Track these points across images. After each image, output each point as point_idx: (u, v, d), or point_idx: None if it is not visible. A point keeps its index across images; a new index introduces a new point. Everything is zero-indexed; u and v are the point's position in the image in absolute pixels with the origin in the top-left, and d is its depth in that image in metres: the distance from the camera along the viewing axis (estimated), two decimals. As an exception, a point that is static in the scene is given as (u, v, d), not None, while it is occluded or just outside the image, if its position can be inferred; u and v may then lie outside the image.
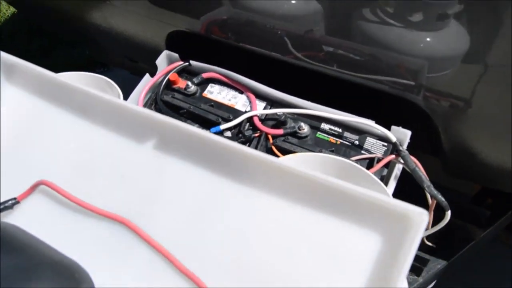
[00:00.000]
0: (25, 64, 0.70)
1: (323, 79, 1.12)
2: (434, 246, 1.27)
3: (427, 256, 1.22)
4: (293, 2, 1.04)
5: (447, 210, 0.98)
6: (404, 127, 1.02)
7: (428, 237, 1.23)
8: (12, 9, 3.04)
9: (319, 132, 1.04)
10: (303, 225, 0.56)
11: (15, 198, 0.69)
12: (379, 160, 0.97)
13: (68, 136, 0.69)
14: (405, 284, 0.53)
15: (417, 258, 1.22)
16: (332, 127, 1.04)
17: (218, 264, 0.58)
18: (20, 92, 0.73)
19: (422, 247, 1.23)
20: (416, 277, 1.21)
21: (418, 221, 0.50)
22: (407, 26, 0.93)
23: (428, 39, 0.97)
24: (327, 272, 0.54)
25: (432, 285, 1.36)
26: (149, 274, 0.60)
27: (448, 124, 1.13)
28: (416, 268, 1.20)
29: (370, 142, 1.01)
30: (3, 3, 3.05)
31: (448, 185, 1.43)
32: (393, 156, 0.96)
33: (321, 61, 1.11)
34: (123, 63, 1.90)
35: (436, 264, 1.26)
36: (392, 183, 1.02)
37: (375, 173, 0.94)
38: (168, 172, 0.63)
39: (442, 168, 1.29)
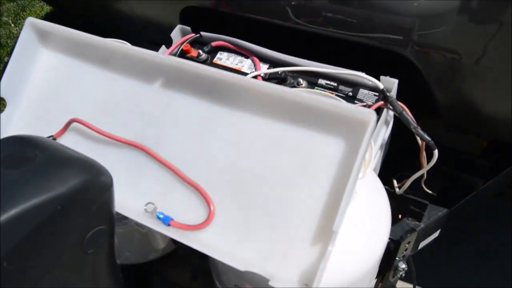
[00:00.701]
0: (55, 26, 0.85)
1: (321, 40, 1.24)
2: (435, 194, 1.36)
3: (428, 204, 1.30)
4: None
5: (434, 149, 1.07)
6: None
7: (430, 187, 1.32)
8: (45, 9, 3.29)
9: (316, 87, 1.15)
10: (280, 136, 0.68)
11: (52, 136, 0.84)
12: (370, 107, 1.08)
13: (93, 83, 0.83)
14: (360, 176, 0.64)
15: (418, 205, 1.30)
16: (328, 82, 1.15)
17: (216, 173, 0.71)
18: (52, 52, 0.88)
19: (423, 195, 1.32)
20: (417, 222, 1.30)
21: (367, 118, 0.61)
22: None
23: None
24: (299, 173, 0.66)
25: (437, 234, 1.44)
26: (162, 186, 0.74)
27: (444, 78, 1.22)
28: (417, 214, 1.29)
29: (362, 93, 1.12)
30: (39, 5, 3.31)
31: (454, 145, 1.51)
32: (382, 102, 1.07)
33: (319, 24, 1.23)
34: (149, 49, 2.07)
35: (438, 212, 1.35)
36: (383, 128, 1.12)
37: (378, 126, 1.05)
38: (174, 104, 0.76)
39: (442, 124, 1.38)
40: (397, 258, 1.26)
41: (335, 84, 1.15)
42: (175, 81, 0.76)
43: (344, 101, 0.69)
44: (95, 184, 0.60)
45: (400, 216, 1.31)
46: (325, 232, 0.62)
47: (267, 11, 1.28)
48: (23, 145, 0.61)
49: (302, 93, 0.66)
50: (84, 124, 0.79)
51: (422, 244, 1.43)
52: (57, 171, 0.58)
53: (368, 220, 0.81)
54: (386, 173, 1.26)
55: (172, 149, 0.75)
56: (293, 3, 1.23)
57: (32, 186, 0.55)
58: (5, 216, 0.50)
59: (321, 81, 1.16)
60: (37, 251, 0.57)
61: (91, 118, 0.81)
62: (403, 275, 1.30)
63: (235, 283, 0.82)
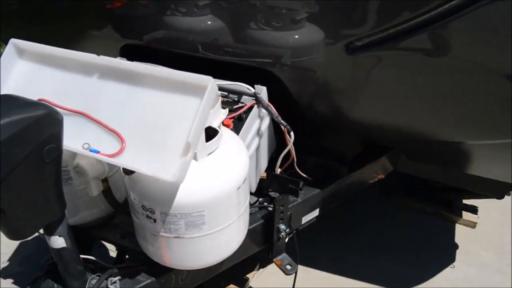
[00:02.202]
0: (29, 43, 1.35)
1: (219, 64, 1.77)
2: (309, 178, 1.86)
3: (300, 181, 1.77)
4: (208, 22, 1.69)
5: (290, 132, 1.59)
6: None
7: (304, 171, 1.81)
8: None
9: (214, 95, 1.67)
10: (160, 97, 1.17)
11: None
12: (245, 106, 1.60)
13: (53, 78, 1.31)
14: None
15: (294, 183, 1.78)
16: (221, 92, 1.67)
17: (126, 124, 1.19)
18: (26, 61, 1.37)
19: (299, 177, 1.80)
20: (295, 198, 1.78)
21: (206, 82, 1.11)
22: (274, 29, 1.58)
23: (288, 35, 1.62)
24: (171, 119, 1.14)
25: (317, 212, 1.92)
26: (94, 134, 1.21)
27: (301, 89, 1.73)
28: (294, 191, 1.78)
29: (244, 98, 1.64)
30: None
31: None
32: (254, 101, 1.59)
33: (219, 54, 1.77)
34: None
35: (312, 191, 1.84)
36: (257, 120, 1.63)
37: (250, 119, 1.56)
38: (104, 86, 1.25)
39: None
40: (279, 226, 1.71)
41: (226, 93, 1.67)
42: (106, 72, 1.26)
43: (196, 74, 1.15)
44: (54, 116, 1.06)
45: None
46: (188, 148, 1.10)
47: (183, 46, 1.82)
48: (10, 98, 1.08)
49: (166, 70, 1.16)
50: (48, 102, 1.25)
51: (304, 220, 1.90)
52: (32, 105, 1.05)
53: (229, 153, 1.30)
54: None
55: (101, 113, 1.23)
56: (202, 41, 1.78)
57: (15, 113, 1.01)
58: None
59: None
60: (15, 155, 1.02)
61: (52, 99, 1.28)
62: (285, 236, 1.75)
63: (141, 203, 1.25)
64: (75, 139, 1.23)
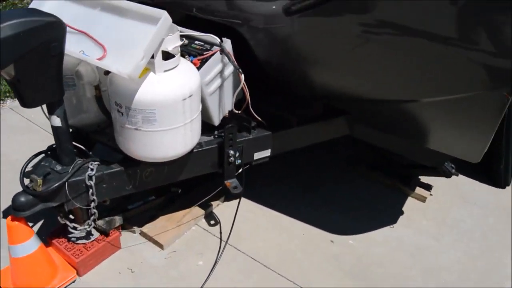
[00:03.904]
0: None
1: (202, 21, 2.32)
2: (264, 122, 2.35)
3: (252, 120, 2.27)
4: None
5: (241, 74, 2.10)
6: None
7: (262, 118, 2.32)
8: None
9: (193, 45, 2.23)
10: (130, 24, 1.75)
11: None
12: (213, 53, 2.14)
13: (71, 11, 1.94)
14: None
15: (247, 121, 2.27)
16: (198, 42, 2.22)
17: (108, 37, 1.78)
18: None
19: (253, 118, 2.30)
20: (248, 134, 2.29)
21: (161, 13, 1.66)
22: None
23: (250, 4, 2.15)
24: (132, 42, 1.71)
25: (268, 152, 2.41)
26: (89, 46, 1.81)
27: (261, 45, 2.22)
28: (247, 128, 2.28)
29: (214, 48, 2.18)
30: None
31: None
32: (218, 49, 2.13)
33: (201, 12, 2.31)
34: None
35: (264, 132, 2.34)
36: (219, 64, 2.16)
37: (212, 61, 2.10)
38: (101, 14, 1.85)
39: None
40: (228, 151, 2.22)
41: (202, 43, 2.22)
42: (104, 7, 1.86)
43: (157, 8, 1.73)
44: (59, 24, 1.66)
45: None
46: (142, 57, 1.67)
47: (176, 4, 2.37)
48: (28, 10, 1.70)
49: (138, 5, 1.73)
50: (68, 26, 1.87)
51: (256, 156, 2.40)
52: (47, 15, 1.67)
53: (182, 75, 1.85)
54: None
55: (96, 32, 1.82)
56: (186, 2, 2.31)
57: (35, 16, 1.62)
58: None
59: (196, 42, 2.23)
60: (31, 43, 1.62)
61: (66, 22, 1.89)
62: (234, 161, 2.26)
63: (114, 100, 1.83)
64: (76, 47, 1.83)
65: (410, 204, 2.83)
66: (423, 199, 2.85)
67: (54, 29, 1.67)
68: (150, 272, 2.24)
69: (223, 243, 2.41)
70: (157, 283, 2.19)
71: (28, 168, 2.02)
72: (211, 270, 2.26)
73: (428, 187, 2.91)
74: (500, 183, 3.00)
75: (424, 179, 2.98)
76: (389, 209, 2.77)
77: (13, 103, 3.61)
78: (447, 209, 2.80)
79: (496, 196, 2.93)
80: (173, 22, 2.06)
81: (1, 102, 3.61)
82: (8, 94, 3.64)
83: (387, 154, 3.00)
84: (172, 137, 1.91)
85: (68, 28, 1.78)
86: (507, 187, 3.01)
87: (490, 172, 3.03)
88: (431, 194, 2.89)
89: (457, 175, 2.72)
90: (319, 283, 2.24)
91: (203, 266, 2.29)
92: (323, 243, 2.49)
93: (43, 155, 2.08)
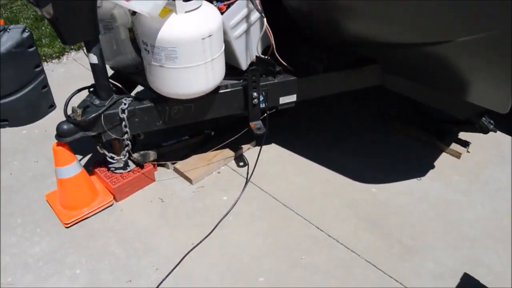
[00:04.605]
0: None
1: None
2: (290, 67, 2.45)
3: (276, 64, 2.38)
4: None
5: (264, 18, 2.20)
6: None
7: (289, 63, 2.42)
8: None
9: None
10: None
11: None
12: (239, -3, 2.25)
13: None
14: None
15: (272, 66, 2.39)
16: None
17: None
18: None
19: (278, 63, 2.41)
20: (273, 78, 2.41)
21: None
22: None
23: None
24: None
25: (294, 98, 2.51)
26: None
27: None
28: (272, 72, 2.40)
29: (241, -7, 2.30)
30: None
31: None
32: (244, -6, 2.24)
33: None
34: None
35: (289, 77, 2.44)
36: (245, 8, 2.28)
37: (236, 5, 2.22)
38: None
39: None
40: (252, 93, 2.36)
41: (231, -11, 2.34)
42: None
43: None
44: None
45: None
46: None
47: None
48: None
49: None
50: None
51: (282, 100, 2.51)
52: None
53: (203, 16, 2.00)
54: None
55: None
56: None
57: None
58: None
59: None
60: None
61: None
62: (258, 103, 2.40)
63: (141, 39, 2.03)
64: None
65: (443, 159, 2.81)
66: (458, 155, 2.82)
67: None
68: (178, 202, 2.48)
69: (248, 182, 2.58)
70: (182, 212, 2.42)
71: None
72: (233, 205, 2.44)
73: (465, 144, 2.86)
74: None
75: (463, 136, 2.92)
76: (420, 162, 2.77)
77: (76, 55, 4.00)
78: (483, 166, 2.75)
79: (539, 156, 2.82)
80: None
81: (66, 53, 4.00)
82: (72, 47, 4.02)
83: (422, 108, 2.98)
84: (193, 74, 2.09)
85: (102, -27, 1.99)
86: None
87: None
88: (468, 151, 2.84)
89: (495, 131, 2.65)
90: (333, 225, 2.35)
91: (227, 201, 2.49)
92: (345, 189, 2.57)
93: (85, 90, 2.35)
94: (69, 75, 3.70)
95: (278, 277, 2.09)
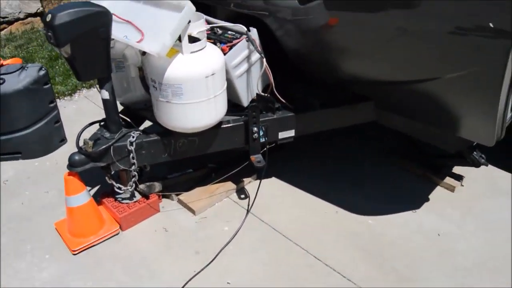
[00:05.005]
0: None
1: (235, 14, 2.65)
2: (288, 104, 2.62)
3: (275, 101, 2.55)
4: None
5: (263, 58, 2.39)
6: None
7: (287, 99, 2.59)
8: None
9: (226, 34, 2.57)
10: (162, 13, 2.13)
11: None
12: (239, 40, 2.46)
13: (119, 5, 2.36)
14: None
15: (272, 103, 2.57)
16: (230, 32, 2.55)
17: (146, 26, 2.18)
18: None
19: (277, 100, 2.58)
20: (272, 114, 2.57)
21: (184, 3, 2.01)
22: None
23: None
24: (162, 28, 2.07)
25: (292, 133, 2.66)
26: (131, 31, 2.21)
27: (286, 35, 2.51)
28: (272, 109, 2.56)
29: (242, 36, 2.51)
30: None
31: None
32: (245, 36, 2.44)
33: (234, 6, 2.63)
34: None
35: (287, 113, 2.60)
36: (245, 50, 2.47)
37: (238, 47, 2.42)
38: (143, 7, 2.26)
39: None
40: (252, 128, 2.52)
41: (234, 33, 2.55)
42: (145, 1, 2.26)
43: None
44: (106, 12, 2.06)
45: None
46: (169, 39, 2.03)
47: (217, 1, 2.73)
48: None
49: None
50: (115, 15, 2.29)
51: (281, 135, 2.67)
52: (97, 6, 2.10)
53: (206, 57, 2.19)
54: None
55: (137, 21, 2.22)
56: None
57: (87, 6, 2.05)
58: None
59: (229, 32, 2.57)
60: (84, 27, 2.06)
61: (116, 13, 2.31)
62: (258, 137, 2.55)
63: (150, 77, 2.21)
64: (121, 33, 2.24)
65: (437, 193, 2.92)
66: (452, 188, 2.93)
67: (102, 17, 2.09)
68: (181, 232, 2.60)
69: (248, 213, 2.70)
70: (185, 241, 2.53)
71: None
72: (234, 235, 2.56)
73: (459, 177, 2.98)
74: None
75: (457, 170, 3.04)
76: (415, 196, 2.88)
77: (87, 93, 4.21)
78: (476, 199, 2.85)
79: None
80: (222, 18, 2.42)
81: (78, 91, 4.22)
82: (83, 85, 4.24)
83: (417, 142, 3.12)
84: (198, 109, 2.25)
85: (116, 18, 2.20)
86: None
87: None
88: (462, 185, 2.95)
89: (486, 165, 2.78)
90: (332, 255, 2.45)
91: (228, 231, 2.60)
92: (343, 221, 2.68)
93: (96, 124, 2.52)
94: (80, 111, 3.90)
95: (276, 304, 2.17)
